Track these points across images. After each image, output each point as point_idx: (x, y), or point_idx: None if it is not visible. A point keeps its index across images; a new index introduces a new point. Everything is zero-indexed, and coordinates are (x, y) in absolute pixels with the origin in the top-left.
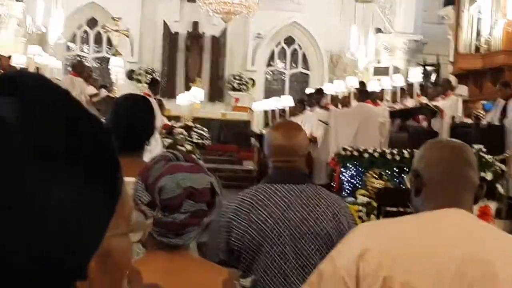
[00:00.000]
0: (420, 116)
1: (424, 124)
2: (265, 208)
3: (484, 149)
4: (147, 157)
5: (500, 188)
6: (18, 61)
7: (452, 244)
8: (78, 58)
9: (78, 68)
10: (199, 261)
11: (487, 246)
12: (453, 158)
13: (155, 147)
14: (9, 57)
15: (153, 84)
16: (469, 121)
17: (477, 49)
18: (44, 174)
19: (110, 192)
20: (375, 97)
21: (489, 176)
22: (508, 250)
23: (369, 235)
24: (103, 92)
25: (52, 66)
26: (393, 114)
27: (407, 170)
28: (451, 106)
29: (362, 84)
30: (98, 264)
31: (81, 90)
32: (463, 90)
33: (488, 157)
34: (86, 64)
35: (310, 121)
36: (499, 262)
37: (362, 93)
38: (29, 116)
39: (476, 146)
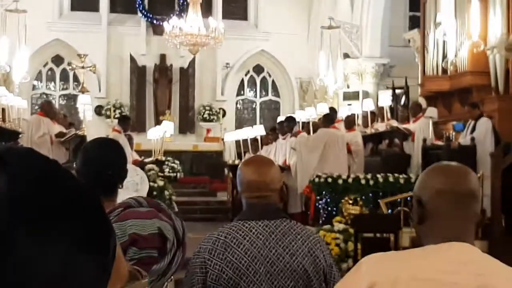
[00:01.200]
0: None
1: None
2: (240, 246)
3: None
4: (132, 195)
5: None
6: None
7: (460, 279)
8: (45, 97)
9: (45, 108)
10: None
11: (494, 281)
12: (459, 188)
13: (142, 185)
14: None
15: (123, 120)
16: (440, 142)
17: (444, 71)
18: (35, 246)
19: (104, 257)
20: (349, 122)
21: None
22: None
23: (376, 268)
24: (71, 131)
25: (18, 106)
26: (365, 139)
27: (381, 194)
28: (422, 128)
29: (332, 110)
30: None
31: (48, 130)
32: (432, 112)
33: None
34: (54, 103)
35: (283, 149)
36: None
37: (326, 118)
38: (18, 189)
39: None
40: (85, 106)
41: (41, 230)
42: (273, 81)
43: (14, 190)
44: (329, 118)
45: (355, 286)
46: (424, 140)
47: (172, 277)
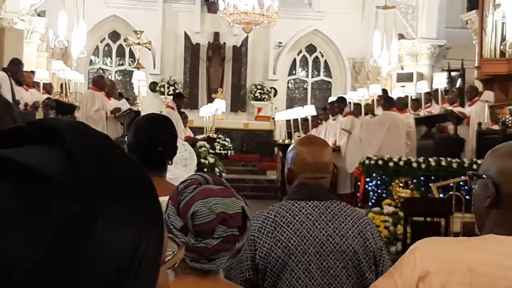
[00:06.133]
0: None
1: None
2: (289, 225)
3: None
4: (184, 171)
5: None
6: (41, 77)
7: None
8: (101, 72)
9: (97, 82)
10: (229, 286)
11: None
12: None
13: (191, 160)
14: (32, 72)
15: (177, 97)
16: (496, 127)
17: (502, 54)
18: (110, 230)
19: (162, 232)
20: (402, 104)
21: None
22: None
23: (431, 256)
24: (125, 105)
25: (76, 81)
26: (418, 121)
27: (433, 178)
28: (477, 112)
29: (384, 92)
30: None
31: (103, 105)
32: (489, 95)
33: None
34: (107, 77)
35: (333, 130)
36: None
37: (387, 101)
38: (86, 168)
39: None
40: (139, 82)
41: (113, 212)
42: (325, 61)
43: (82, 169)
44: (390, 101)
45: (408, 273)
46: (479, 124)
47: None
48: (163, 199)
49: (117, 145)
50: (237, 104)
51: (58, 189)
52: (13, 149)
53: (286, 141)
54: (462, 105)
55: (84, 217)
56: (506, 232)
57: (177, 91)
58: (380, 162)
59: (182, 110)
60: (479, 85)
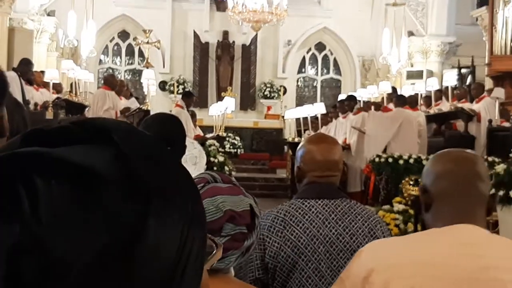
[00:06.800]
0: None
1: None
2: (299, 224)
3: None
4: (194, 169)
5: None
6: (51, 76)
7: (463, 262)
8: (110, 71)
9: (109, 81)
10: (240, 285)
11: (499, 263)
12: (460, 171)
13: (200, 158)
14: (42, 72)
15: (186, 96)
16: (506, 124)
17: None
18: (160, 231)
19: (204, 230)
20: (413, 102)
21: None
22: None
23: (375, 255)
24: (134, 104)
25: (85, 80)
26: (428, 119)
27: None
28: (486, 109)
29: (394, 89)
30: None
31: (114, 104)
32: (499, 92)
33: None
34: (117, 76)
35: (343, 128)
36: (511, 282)
37: (400, 99)
38: (138, 168)
39: None
40: (149, 81)
41: (163, 211)
42: (334, 59)
43: (133, 169)
44: (403, 98)
45: (355, 276)
46: (490, 121)
47: None
48: None
49: (161, 144)
50: (247, 102)
51: (112, 189)
52: (65, 148)
53: (296, 139)
54: (472, 102)
55: (137, 217)
56: (444, 224)
57: (187, 90)
58: (390, 160)
59: (191, 108)
60: (489, 82)
